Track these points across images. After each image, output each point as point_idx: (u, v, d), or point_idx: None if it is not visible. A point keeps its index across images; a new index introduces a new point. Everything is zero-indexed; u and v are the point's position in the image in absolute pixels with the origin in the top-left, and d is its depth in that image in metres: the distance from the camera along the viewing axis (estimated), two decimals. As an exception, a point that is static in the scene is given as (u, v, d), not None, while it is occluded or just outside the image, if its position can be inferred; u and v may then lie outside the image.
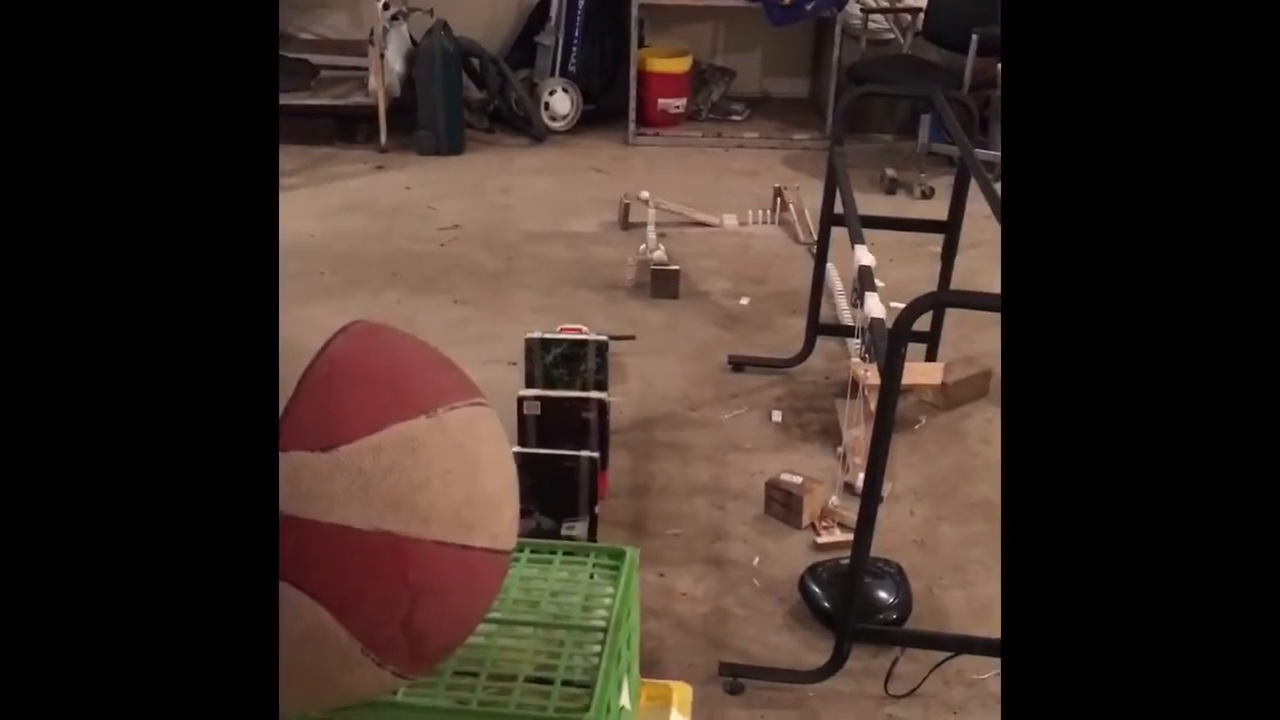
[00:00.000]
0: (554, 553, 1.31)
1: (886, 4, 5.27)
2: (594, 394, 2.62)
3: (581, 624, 1.28)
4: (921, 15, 5.09)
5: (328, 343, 1.13)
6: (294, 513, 0.98)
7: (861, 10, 5.16)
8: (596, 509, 2.43)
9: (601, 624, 1.28)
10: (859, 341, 3.21)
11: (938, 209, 4.43)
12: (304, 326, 3.54)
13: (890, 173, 4.78)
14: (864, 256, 2.27)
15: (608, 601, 1.32)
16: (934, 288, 3.16)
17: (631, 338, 3.43)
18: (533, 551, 1.33)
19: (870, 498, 1.95)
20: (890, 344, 1.73)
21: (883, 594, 2.34)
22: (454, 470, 1.05)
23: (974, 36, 4.46)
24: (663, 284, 3.75)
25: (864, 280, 2.18)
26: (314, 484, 0.98)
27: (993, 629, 2.27)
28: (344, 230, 4.25)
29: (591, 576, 1.30)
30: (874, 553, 2.21)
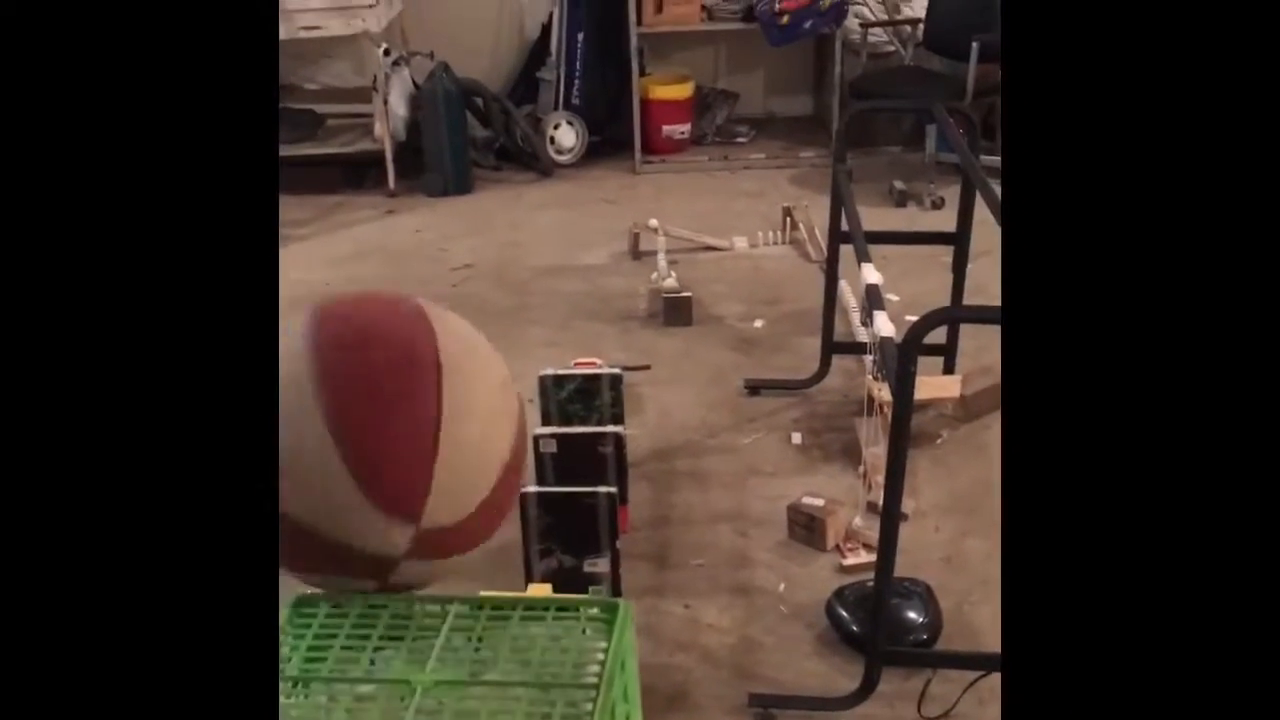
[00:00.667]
0: (546, 609, 1.30)
1: (885, 17, 5.26)
2: (609, 428, 2.60)
3: (573, 682, 1.26)
4: (921, 26, 5.08)
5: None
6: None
7: (860, 24, 5.15)
8: (618, 544, 2.41)
9: (594, 680, 1.27)
10: (872, 359, 3.19)
11: (949, 219, 4.41)
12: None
13: (899, 185, 4.76)
14: (871, 275, 2.26)
15: (600, 657, 1.30)
16: (947, 299, 3.13)
17: (646, 368, 3.42)
18: (525, 609, 1.32)
19: (890, 517, 1.92)
20: (899, 362, 1.71)
21: (911, 614, 2.30)
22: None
23: (975, 44, 4.45)
24: (675, 312, 3.74)
25: (872, 299, 2.16)
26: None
27: (1025, 644, 2.24)
28: (357, 277, 4.27)
29: (584, 632, 1.28)
30: (900, 572, 2.19)
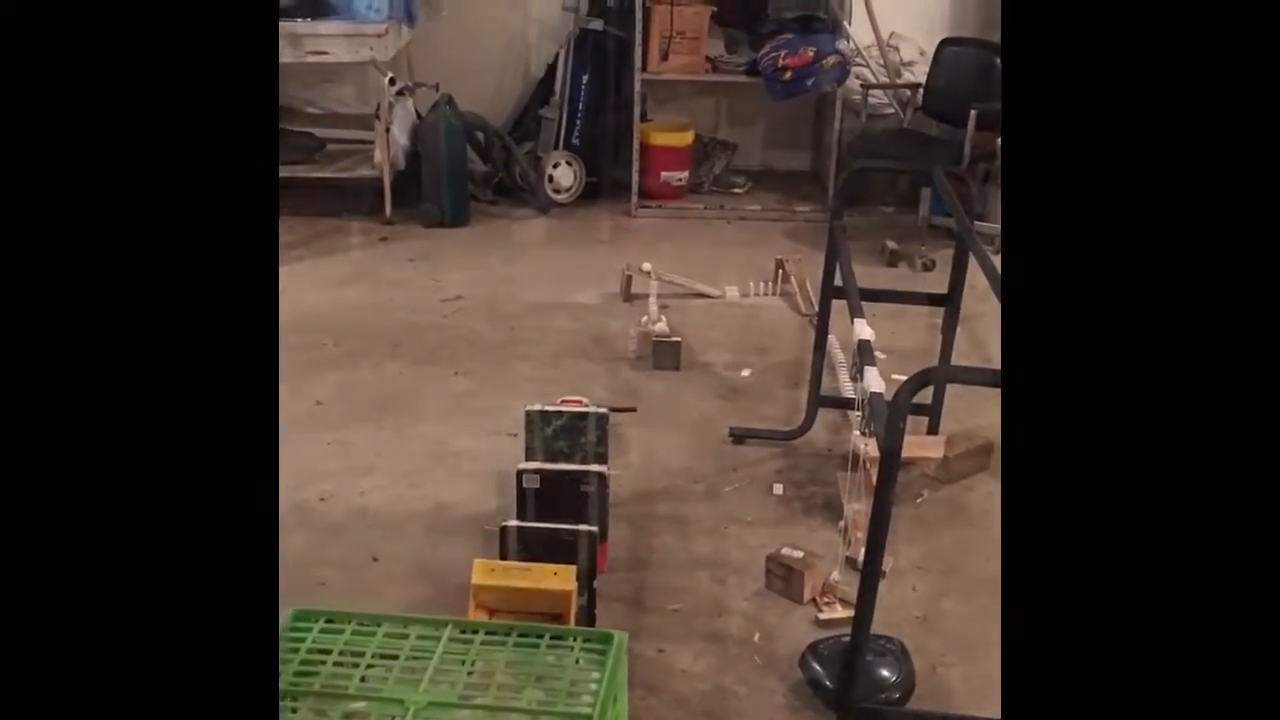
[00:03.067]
0: (540, 636, 1.30)
1: (886, 79, 5.34)
2: (593, 467, 2.61)
3: (567, 710, 1.26)
4: (921, 91, 5.16)
5: None
6: None
7: (861, 86, 5.22)
8: (595, 584, 2.40)
9: (588, 710, 1.26)
10: (859, 414, 3.21)
11: (939, 281, 4.45)
12: (304, 396, 3.55)
13: (891, 245, 4.81)
14: (863, 331, 2.28)
15: (593, 687, 1.30)
16: (934, 360, 3.16)
17: (632, 409, 3.42)
18: (520, 635, 1.32)
19: (870, 575, 1.93)
20: (889, 420, 1.73)
21: (884, 672, 2.30)
22: None
23: (972, 112, 4.51)
24: (664, 356, 3.75)
25: (863, 355, 2.18)
26: None
27: (997, 709, 2.23)
28: (347, 302, 4.28)
29: (577, 661, 1.28)
30: (876, 629, 2.18)
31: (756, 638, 2.47)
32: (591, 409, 2.77)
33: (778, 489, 3.05)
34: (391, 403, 3.49)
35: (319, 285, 4.40)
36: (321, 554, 2.71)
